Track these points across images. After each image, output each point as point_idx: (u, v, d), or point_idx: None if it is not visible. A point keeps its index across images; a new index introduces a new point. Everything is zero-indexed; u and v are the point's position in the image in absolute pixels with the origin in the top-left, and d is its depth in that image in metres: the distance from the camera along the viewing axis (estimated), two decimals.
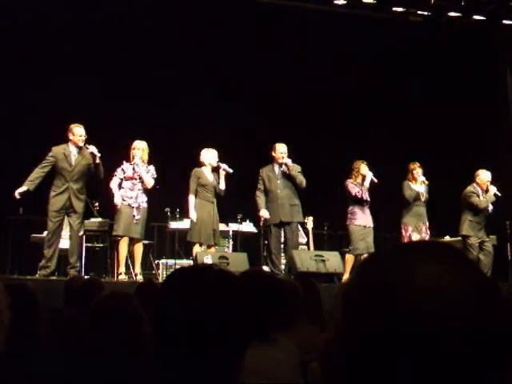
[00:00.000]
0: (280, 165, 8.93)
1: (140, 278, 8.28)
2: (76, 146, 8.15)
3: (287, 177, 8.87)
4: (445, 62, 11.76)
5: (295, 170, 8.85)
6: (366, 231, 9.04)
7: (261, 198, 8.84)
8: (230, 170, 8.74)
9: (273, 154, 9.00)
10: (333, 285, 7.91)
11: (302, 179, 8.86)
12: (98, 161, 8.12)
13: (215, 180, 8.72)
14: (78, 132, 8.15)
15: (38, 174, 8.01)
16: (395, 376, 0.76)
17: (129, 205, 8.33)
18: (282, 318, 2.68)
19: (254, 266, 8.59)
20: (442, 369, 0.75)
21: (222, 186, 8.69)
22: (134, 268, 8.47)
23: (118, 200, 8.34)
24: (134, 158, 8.44)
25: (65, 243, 8.82)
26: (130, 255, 8.51)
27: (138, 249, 8.45)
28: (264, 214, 8.78)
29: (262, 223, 8.95)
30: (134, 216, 8.30)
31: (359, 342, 0.79)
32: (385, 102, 11.81)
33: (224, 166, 8.74)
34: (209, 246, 8.73)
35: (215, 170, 8.78)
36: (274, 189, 8.83)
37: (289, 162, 8.86)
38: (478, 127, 11.76)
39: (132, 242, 8.40)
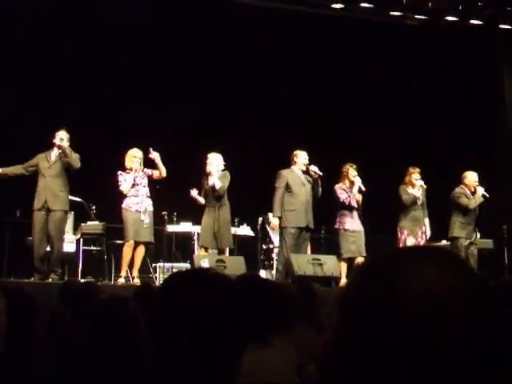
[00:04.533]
0: (304, 172, 8.97)
1: (137, 281, 8.29)
2: (58, 148, 8.31)
3: (311, 183, 8.94)
4: (442, 65, 11.79)
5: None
6: (356, 235, 9.05)
7: (279, 203, 8.76)
8: (207, 170, 8.76)
9: (295, 159, 8.98)
10: (330, 288, 7.90)
11: (320, 189, 8.98)
12: (64, 144, 8.20)
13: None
14: (57, 135, 8.31)
15: (16, 167, 8.34)
16: (394, 381, 0.77)
17: (136, 210, 8.39)
18: (279, 321, 2.68)
19: (251, 269, 8.60)
20: (442, 373, 0.75)
21: (217, 184, 8.67)
22: (131, 271, 8.47)
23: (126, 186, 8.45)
24: (134, 167, 8.51)
25: (64, 246, 8.83)
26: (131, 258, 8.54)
27: (141, 252, 8.48)
28: (275, 224, 8.78)
29: (272, 228, 8.92)
30: (142, 220, 8.40)
31: (357, 345, 0.79)
32: (382, 105, 11.82)
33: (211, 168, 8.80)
34: (221, 250, 8.78)
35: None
36: (301, 194, 8.82)
37: (316, 169, 8.92)
38: (476, 129, 11.79)
39: (135, 245, 8.43)
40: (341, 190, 9.14)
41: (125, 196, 8.47)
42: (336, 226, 9.15)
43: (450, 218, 9.32)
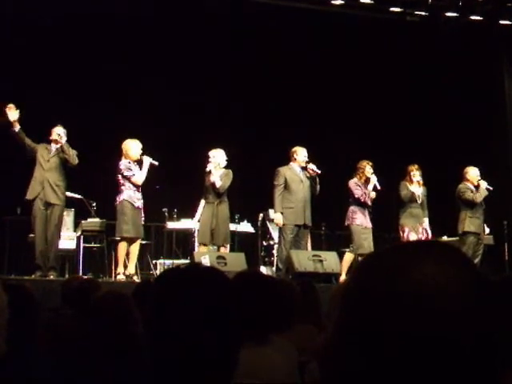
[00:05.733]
0: (303, 168, 8.97)
1: (136, 278, 8.27)
2: (55, 144, 8.28)
3: (309, 181, 8.95)
4: (442, 61, 11.78)
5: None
6: (367, 231, 9.10)
7: (279, 200, 8.78)
8: (207, 169, 8.74)
9: (294, 156, 8.98)
10: (331, 285, 7.91)
11: (318, 187, 8.98)
12: (62, 141, 8.16)
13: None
14: (54, 131, 8.29)
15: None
16: (396, 375, 0.77)
17: (138, 207, 8.35)
18: (280, 318, 2.68)
19: (252, 266, 8.61)
20: (441, 368, 0.75)
21: (217, 183, 8.66)
22: (128, 267, 8.44)
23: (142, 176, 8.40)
24: (144, 160, 8.46)
25: (64, 243, 8.84)
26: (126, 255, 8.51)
27: (136, 248, 8.45)
28: (279, 220, 8.77)
29: (277, 224, 8.91)
30: (141, 217, 8.41)
31: (358, 340, 0.79)
32: (382, 102, 11.80)
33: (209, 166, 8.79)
34: (221, 246, 8.79)
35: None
36: (299, 191, 8.83)
37: (315, 167, 8.92)
38: (475, 126, 11.79)
39: (132, 241, 8.41)
40: (356, 186, 9.16)
41: (122, 186, 8.33)
42: (347, 222, 9.17)
43: (458, 214, 9.40)
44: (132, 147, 8.45)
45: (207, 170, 8.71)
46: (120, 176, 8.37)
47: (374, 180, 9.19)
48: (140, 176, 8.37)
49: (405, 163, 9.64)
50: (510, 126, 12.07)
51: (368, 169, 9.25)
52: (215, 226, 8.60)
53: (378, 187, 9.20)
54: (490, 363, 0.77)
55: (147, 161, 8.44)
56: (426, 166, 9.72)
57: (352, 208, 9.17)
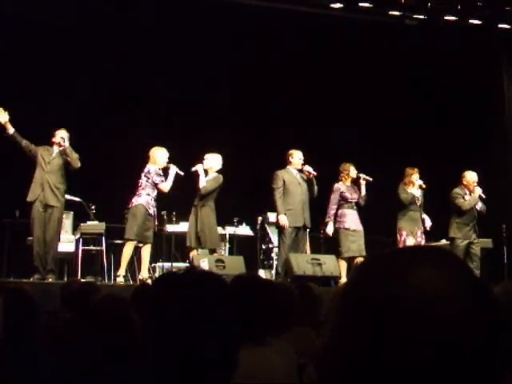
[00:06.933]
0: (299, 171, 8.98)
1: (150, 282, 8.26)
2: (58, 146, 8.29)
3: (306, 183, 8.96)
4: (441, 65, 11.79)
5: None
6: (357, 234, 9.07)
7: (281, 202, 8.80)
8: (193, 169, 8.72)
9: (290, 159, 9.01)
10: (330, 288, 7.90)
11: (316, 188, 8.99)
12: (65, 145, 8.18)
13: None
14: (58, 134, 8.30)
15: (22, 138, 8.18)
16: (395, 379, 0.77)
17: (150, 214, 8.39)
18: (279, 321, 2.69)
19: (251, 269, 8.60)
20: (441, 371, 0.76)
21: (200, 184, 8.61)
22: (139, 272, 8.45)
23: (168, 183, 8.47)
24: (166, 167, 8.52)
25: (63, 246, 8.83)
26: (134, 258, 8.54)
27: (147, 253, 8.47)
28: (284, 221, 8.77)
29: (279, 225, 8.93)
30: (155, 224, 8.49)
31: (357, 344, 0.79)
32: (382, 104, 11.80)
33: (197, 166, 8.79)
34: (212, 250, 8.77)
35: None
36: (297, 194, 8.84)
37: (310, 169, 8.93)
38: (475, 129, 11.79)
39: (142, 246, 8.44)
40: (336, 193, 9.19)
41: (142, 190, 8.37)
42: (336, 226, 9.17)
43: (449, 218, 9.36)
44: (160, 155, 8.53)
45: (192, 169, 8.71)
46: (145, 180, 8.43)
47: (363, 175, 9.22)
48: (167, 184, 8.47)
49: (404, 164, 9.62)
50: (510, 126, 12.08)
51: (352, 169, 9.26)
52: (200, 229, 8.58)
53: (370, 179, 9.23)
54: (489, 366, 0.78)
55: (174, 170, 8.51)
56: (425, 167, 9.70)
57: (341, 211, 9.19)
